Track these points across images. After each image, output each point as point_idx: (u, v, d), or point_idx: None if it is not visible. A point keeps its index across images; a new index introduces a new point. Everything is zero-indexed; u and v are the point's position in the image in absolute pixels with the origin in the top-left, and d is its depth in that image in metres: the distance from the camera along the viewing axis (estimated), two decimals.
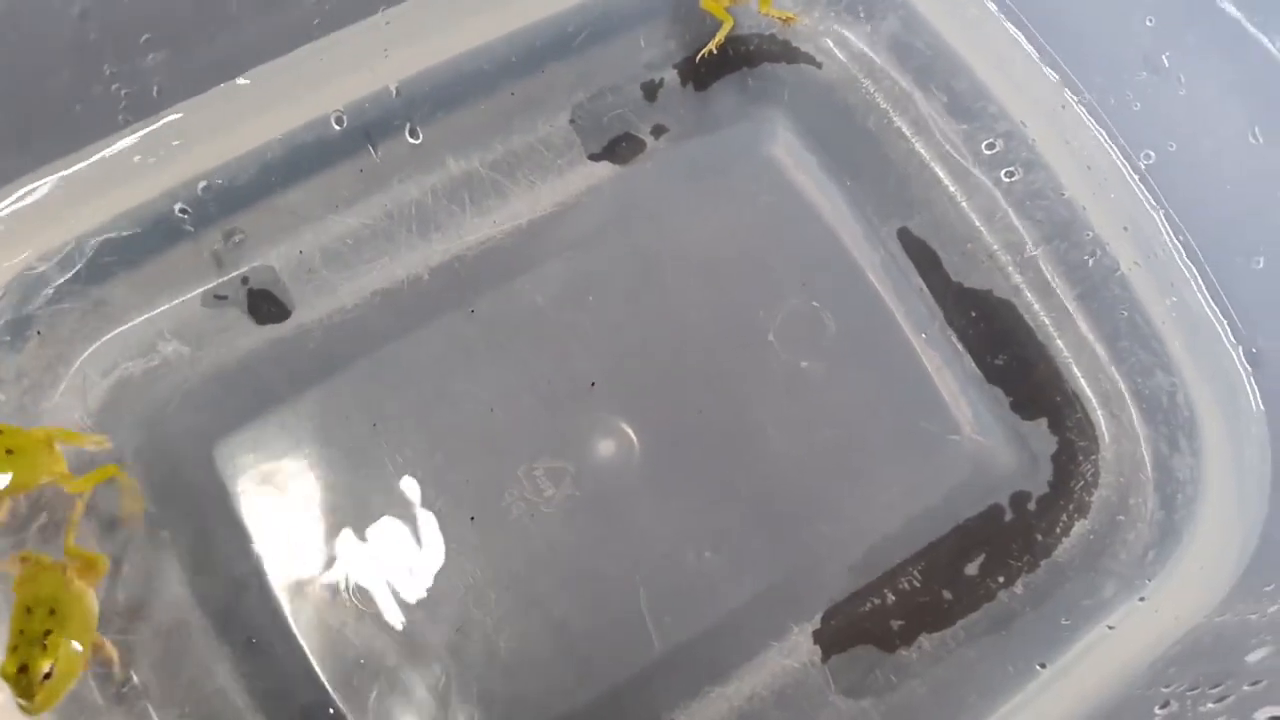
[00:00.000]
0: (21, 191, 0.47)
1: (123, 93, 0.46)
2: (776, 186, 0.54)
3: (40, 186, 0.47)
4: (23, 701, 0.39)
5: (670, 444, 0.49)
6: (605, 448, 0.49)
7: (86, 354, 0.47)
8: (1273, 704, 0.38)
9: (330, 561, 0.46)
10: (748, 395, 0.50)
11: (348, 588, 0.45)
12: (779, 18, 0.54)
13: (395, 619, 0.45)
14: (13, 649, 0.40)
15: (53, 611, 0.40)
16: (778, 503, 0.49)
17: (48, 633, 0.40)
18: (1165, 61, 0.49)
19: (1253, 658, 0.42)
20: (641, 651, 0.46)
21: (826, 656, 0.47)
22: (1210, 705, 0.40)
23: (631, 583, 0.47)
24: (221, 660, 0.44)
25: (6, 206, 0.47)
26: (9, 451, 0.42)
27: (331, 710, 0.44)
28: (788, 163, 0.54)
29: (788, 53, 0.56)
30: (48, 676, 0.39)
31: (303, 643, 0.45)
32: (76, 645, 0.40)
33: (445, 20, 0.52)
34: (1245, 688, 0.40)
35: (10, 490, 0.42)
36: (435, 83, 0.52)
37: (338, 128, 0.51)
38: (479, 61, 0.52)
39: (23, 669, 0.39)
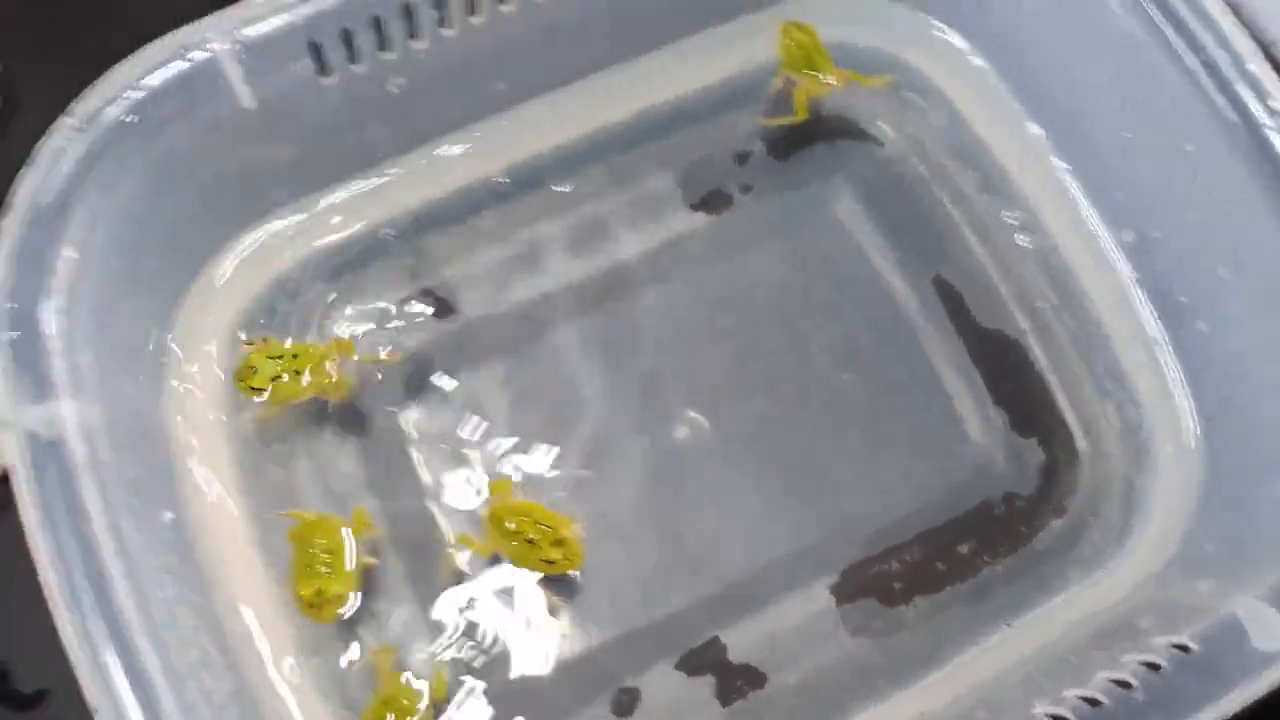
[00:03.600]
0: (290, 218, 0.65)
1: (358, 150, 0.64)
2: (837, 239, 0.68)
3: (302, 211, 0.65)
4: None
5: (733, 434, 0.64)
6: (682, 430, 0.64)
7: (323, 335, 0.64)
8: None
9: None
10: (797, 399, 0.65)
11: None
12: (878, 84, 0.68)
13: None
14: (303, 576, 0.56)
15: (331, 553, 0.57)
16: (814, 484, 0.63)
17: (329, 565, 0.56)
18: (1151, 166, 0.63)
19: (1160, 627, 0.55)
20: (698, 583, 0.61)
21: (839, 604, 0.61)
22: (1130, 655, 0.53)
23: (698, 530, 0.62)
24: None
25: (277, 224, 0.65)
26: (294, 355, 0.59)
27: None
28: (847, 221, 0.69)
29: (856, 132, 0.70)
30: (337, 596, 0.56)
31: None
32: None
33: (589, 105, 0.68)
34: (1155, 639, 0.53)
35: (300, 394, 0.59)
36: (576, 149, 0.67)
37: (502, 181, 0.67)
38: (611, 134, 0.68)
39: (317, 591, 0.56)
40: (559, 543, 0.57)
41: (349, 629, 0.59)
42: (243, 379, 0.59)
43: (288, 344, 0.61)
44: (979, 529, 0.63)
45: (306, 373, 0.59)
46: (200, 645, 0.52)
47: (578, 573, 0.60)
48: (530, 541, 0.57)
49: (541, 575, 0.60)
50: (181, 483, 0.58)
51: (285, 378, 0.59)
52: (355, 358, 0.62)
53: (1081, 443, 0.65)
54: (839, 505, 0.63)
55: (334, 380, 0.60)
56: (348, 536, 0.58)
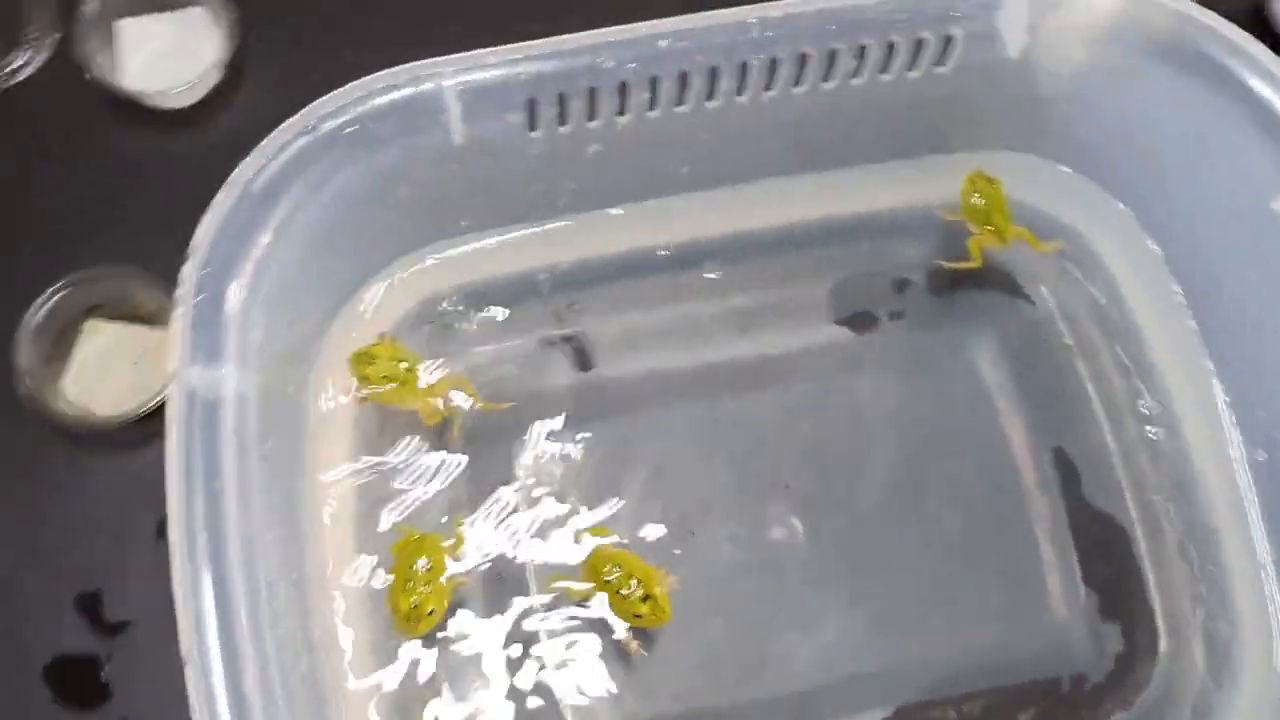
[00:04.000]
0: (462, 247, 0.69)
1: (543, 198, 0.67)
2: (970, 385, 0.69)
3: (475, 242, 0.69)
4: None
5: (828, 547, 0.65)
6: (780, 532, 0.65)
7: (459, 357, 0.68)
8: None
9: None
10: (897, 529, 0.66)
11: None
12: (1048, 249, 0.69)
13: None
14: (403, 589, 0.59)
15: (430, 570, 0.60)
16: (894, 615, 0.64)
17: (429, 583, 0.59)
18: None
19: None
20: (761, 681, 0.63)
21: None
22: None
23: (773, 630, 0.64)
24: None
25: (450, 250, 0.69)
26: (411, 371, 0.63)
27: None
28: (985, 370, 0.69)
29: (1013, 288, 0.71)
30: (431, 613, 0.59)
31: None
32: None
33: (763, 203, 0.70)
34: None
35: (397, 401, 0.63)
36: (739, 240, 0.70)
37: (663, 254, 0.70)
38: (773, 233, 0.70)
39: (415, 606, 0.59)
40: (648, 598, 0.59)
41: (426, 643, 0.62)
42: (358, 363, 0.62)
43: (419, 365, 0.65)
44: (1042, 702, 0.64)
45: (413, 391, 0.63)
46: (288, 622, 0.55)
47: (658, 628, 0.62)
48: (621, 594, 0.60)
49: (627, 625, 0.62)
50: (307, 467, 0.62)
51: (395, 385, 0.62)
52: (464, 403, 0.66)
53: (1164, 643, 0.65)
54: (913, 642, 0.64)
55: (439, 411, 0.64)
56: (446, 557, 0.61)
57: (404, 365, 0.63)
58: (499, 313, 0.70)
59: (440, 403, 0.65)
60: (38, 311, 0.66)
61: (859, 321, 0.71)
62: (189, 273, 0.53)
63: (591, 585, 0.61)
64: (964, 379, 0.70)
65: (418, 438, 0.66)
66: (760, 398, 0.69)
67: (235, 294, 0.55)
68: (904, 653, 0.64)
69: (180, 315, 0.53)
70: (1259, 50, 0.60)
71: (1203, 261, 0.67)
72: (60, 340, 0.68)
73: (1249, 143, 0.60)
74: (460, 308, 0.69)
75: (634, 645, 0.62)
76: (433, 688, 0.62)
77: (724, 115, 0.63)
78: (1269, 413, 0.64)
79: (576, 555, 0.64)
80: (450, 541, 0.63)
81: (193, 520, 0.51)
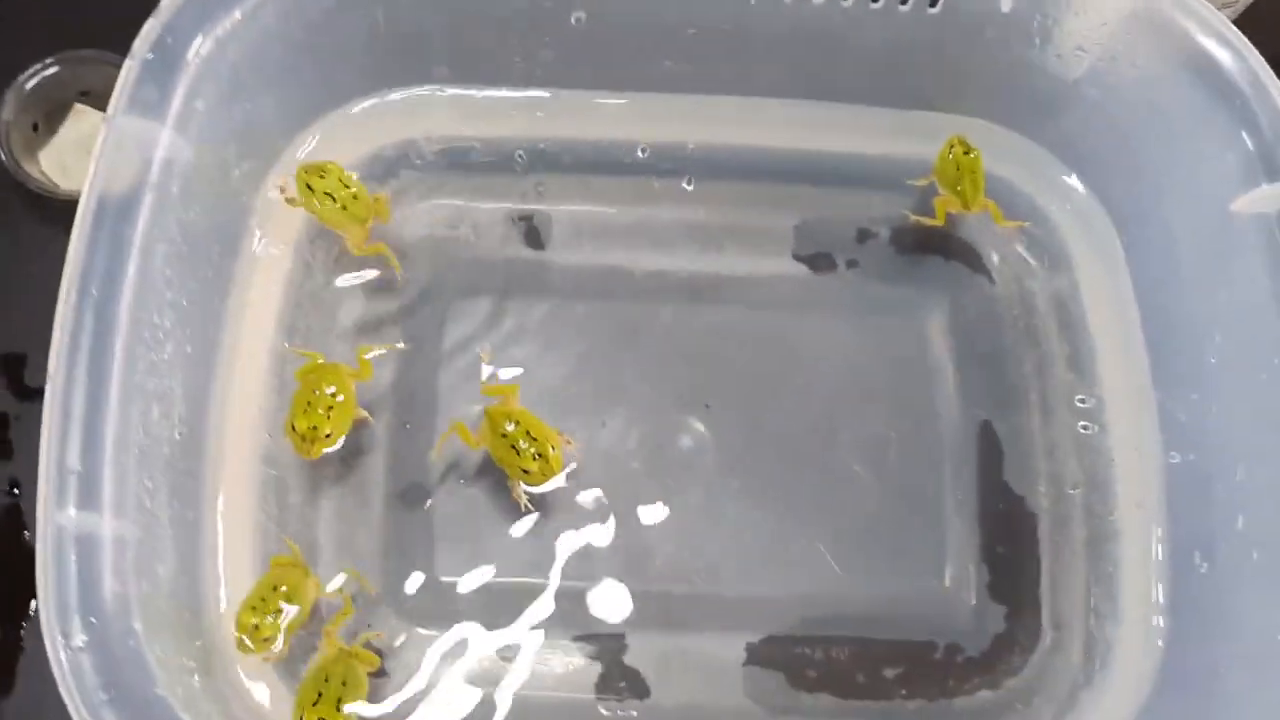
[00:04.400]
0: (442, 90, 0.70)
1: (534, 60, 0.67)
2: (911, 347, 0.68)
3: (446, 92, 0.70)
4: (304, 446, 0.59)
5: (731, 464, 0.65)
6: (688, 441, 0.65)
7: (418, 208, 0.69)
8: None
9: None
10: (806, 466, 0.66)
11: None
12: (1015, 225, 0.69)
13: None
14: (303, 413, 0.59)
15: (333, 395, 0.60)
16: (781, 546, 0.64)
17: (330, 407, 0.59)
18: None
19: None
20: (641, 574, 0.63)
21: (746, 663, 0.62)
22: None
23: (662, 524, 0.64)
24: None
25: (427, 93, 0.69)
26: (354, 196, 0.62)
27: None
28: (931, 334, 0.68)
29: (976, 263, 0.70)
30: (328, 436, 0.59)
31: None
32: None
33: (747, 121, 0.70)
34: None
35: (334, 224, 0.63)
36: (720, 156, 0.70)
37: (641, 155, 0.70)
38: (751, 154, 0.70)
39: (313, 427, 0.59)
40: (540, 455, 0.59)
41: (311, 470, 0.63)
42: (308, 172, 0.62)
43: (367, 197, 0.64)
44: (911, 663, 0.63)
45: (352, 215, 0.63)
46: (171, 381, 0.56)
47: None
48: (515, 449, 0.59)
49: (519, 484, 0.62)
50: (235, 258, 0.63)
51: (335, 202, 0.62)
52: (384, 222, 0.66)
53: (1047, 635, 0.64)
54: (795, 577, 0.64)
55: (372, 246, 0.64)
56: (351, 386, 0.62)
57: (352, 191, 0.63)
58: (465, 178, 0.70)
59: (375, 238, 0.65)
60: (28, 80, 0.68)
61: (818, 262, 0.70)
62: (147, 28, 0.54)
63: (491, 437, 0.61)
64: (908, 339, 0.69)
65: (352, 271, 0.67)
66: (702, 314, 0.69)
67: (190, 60, 0.55)
68: (784, 586, 0.64)
69: (128, 67, 0.53)
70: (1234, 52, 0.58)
71: (1160, 264, 0.66)
72: (51, 118, 0.71)
73: (1215, 144, 0.59)
74: (430, 158, 0.70)
75: (523, 498, 0.62)
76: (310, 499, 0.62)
77: (710, 6, 0.63)
78: (1190, 417, 0.63)
79: (477, 407, 0.64)
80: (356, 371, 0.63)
81: (91, 266, 0.51)
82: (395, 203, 0.68)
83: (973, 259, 0.71)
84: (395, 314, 0.67)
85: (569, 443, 0.62)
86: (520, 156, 0.70)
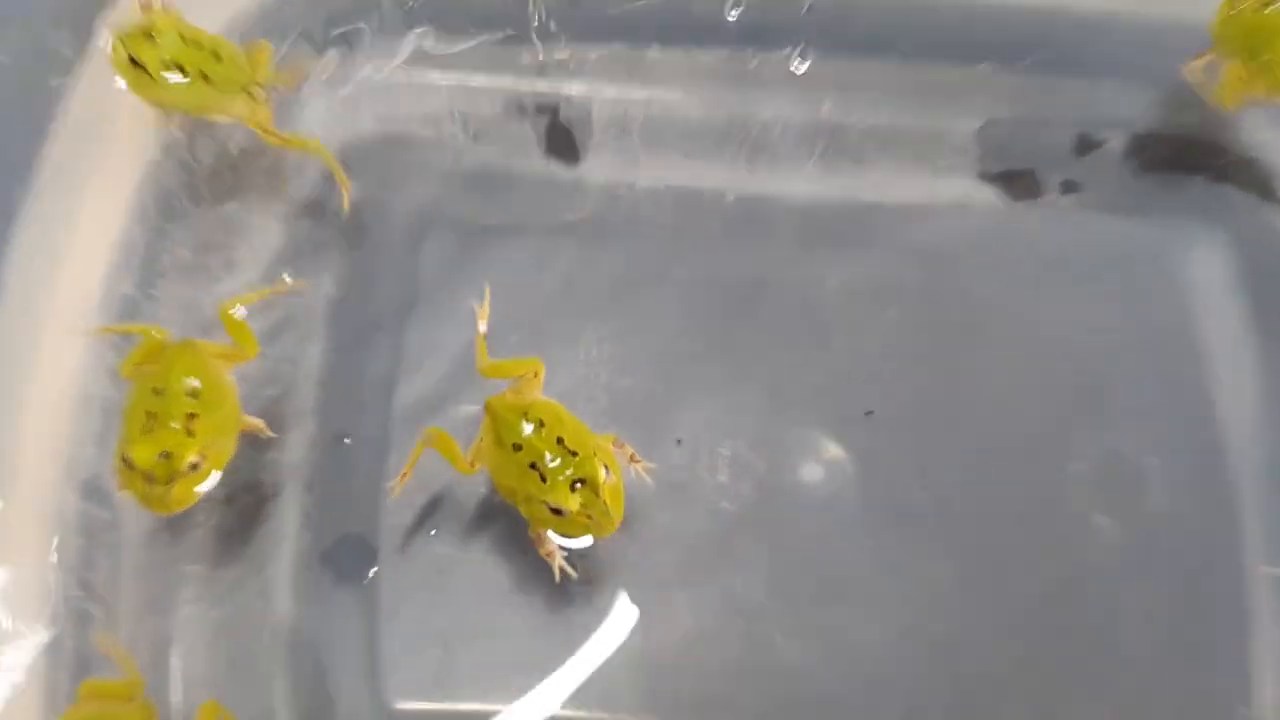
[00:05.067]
0: None
1: None
2: (1171, 309, 0.46)
3: None
4: (155, 491, 0.34)
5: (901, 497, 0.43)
6: (814, 471, 0.42)
7: (376, 89, 0.46)
8: None
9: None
10: (1018, 540, 0.43)
11: None
12: None
13: None
14: (144, 433, 0.34)
15: (195, 395, 0.35)
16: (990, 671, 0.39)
17: (191, 416, 0.35)
18: None
19: None
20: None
21: None
22: None
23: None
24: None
25: None
26: (216, 57, 0.40)
27: None
28: (1196, 292, 0.46)
29: (1261, 183, 0.47)
30: (194, 467, 0.34)
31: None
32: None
33: None
34: None
35: (200, 107, 0.40)
36: (856, 17, 0.47)
37: (731, 16, 0.47)
38: (903, 13, 0.47)
39: (165, 455, 0.34)
40: (584, 483, 0.34)
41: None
42: (132, 43, 0.39)
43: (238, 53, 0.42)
44: None
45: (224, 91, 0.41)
46: None
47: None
48: (538, 470, 0.35)
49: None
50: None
51: (186, 77, 0.40)
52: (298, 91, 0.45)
53: None
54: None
55: (278, 135, 0.43)
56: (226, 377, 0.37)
57: (207, 50, 0.40)
58: (454, 42, 0.47)
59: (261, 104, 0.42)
60: None
61: (1015, 184, 0.48)
62: None
63: (493, 450, 0.37)
64: (1159, 299, 0.47)
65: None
66: (833, 266, 0.46)
67: None
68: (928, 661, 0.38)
69: None
70: None
71: None
72: None
73: None
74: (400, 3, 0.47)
75: (558, 559, 0.38)
76: None
77: None
78: None
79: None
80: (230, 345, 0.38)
81: None
82: (341, 80, 0.46)
83: (1258, 181, 0.48)
84: (332, 258, 0.45)
85: (634, 459, 0.39)
86: (540, 10, 0.47)
